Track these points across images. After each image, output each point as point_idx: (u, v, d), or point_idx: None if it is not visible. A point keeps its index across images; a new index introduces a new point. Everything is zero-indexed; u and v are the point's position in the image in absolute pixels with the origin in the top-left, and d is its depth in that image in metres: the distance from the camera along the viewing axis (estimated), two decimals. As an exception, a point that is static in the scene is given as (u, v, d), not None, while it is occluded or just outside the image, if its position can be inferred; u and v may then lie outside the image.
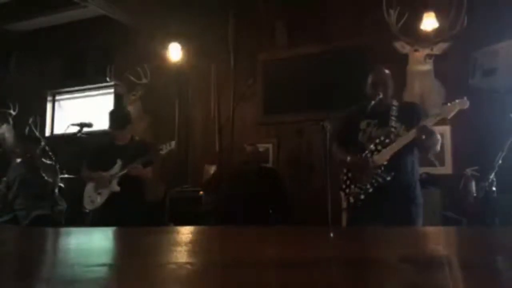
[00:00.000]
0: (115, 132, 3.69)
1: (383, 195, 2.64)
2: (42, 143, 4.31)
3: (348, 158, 2.77)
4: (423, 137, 2.59)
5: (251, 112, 5.20)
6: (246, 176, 4.46)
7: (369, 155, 2.70)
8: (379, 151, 2.68)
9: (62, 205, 4.19)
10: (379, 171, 2.65)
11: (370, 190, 2.67)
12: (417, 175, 2.83)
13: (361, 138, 2.79)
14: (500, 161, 2.98)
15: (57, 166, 4.10)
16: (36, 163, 4.16)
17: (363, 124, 2.80)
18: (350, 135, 2.84)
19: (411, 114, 2.75)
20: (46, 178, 4.08)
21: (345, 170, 2.80)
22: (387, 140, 2.68)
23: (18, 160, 4.39)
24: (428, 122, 2.62)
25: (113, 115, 3.76)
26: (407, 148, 2.67)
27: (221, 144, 5.30)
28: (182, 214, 4.70)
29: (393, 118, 2.73)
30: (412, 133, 2.61)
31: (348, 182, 2.77)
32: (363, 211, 2.69)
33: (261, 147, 4.79)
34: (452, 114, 2.62)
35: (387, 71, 2.90)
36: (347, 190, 2.77)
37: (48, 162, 4.21)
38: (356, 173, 2.74)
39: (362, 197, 2.68)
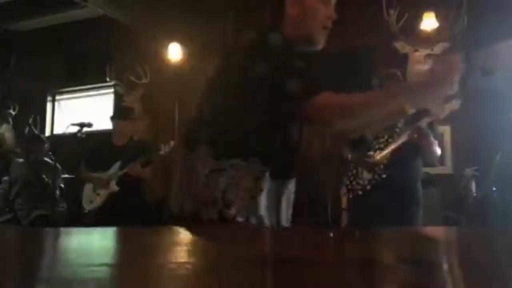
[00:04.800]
0: (116, 123, 3.67)
1: (383, 194, 2.65)
2: (47, 144, 4.32)
3: (350, 156, 2.79)
4: (415, 136, 2.62)
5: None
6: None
7: (371, 152, 2.72)
8: (382, 149, 2.70)
9: (63, 206, 4.19)
10: (377, 169, 2.67)
11: (368, 187, 2.69)
12: (419, 175, 2.84)
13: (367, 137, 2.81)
14: (500, 161, 2.99)
15: (59, 167, 4.11)
16: (40, 164, 4.16)
17: None
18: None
19: (415, 116, 2.76)
20: (47, 179, 4.08)
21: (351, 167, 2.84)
22: (390, 140, 2.70)
23: (20, 160, 4.39)
24: (422, 123, 2.63)
25: (117, 106, 3.78)
26: (410, 148, 2.68)
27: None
28: (182, 214, 4.69)
29: None
30: (406, 134, 2.63)
31: (351, 178, 2.80)
32: (362, 208, 2.71)
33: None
34: (444, 114, 2.64)
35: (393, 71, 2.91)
36: (349, 186, 2.79)
37: (51, 162, 4.21)
38: (358, 170, 2.76)
39: (360, 193, 2.71)
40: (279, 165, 1.43)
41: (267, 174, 1.39)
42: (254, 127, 1.40)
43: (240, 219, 1.35)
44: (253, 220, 1.36)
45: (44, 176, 4.08)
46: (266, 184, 1.39)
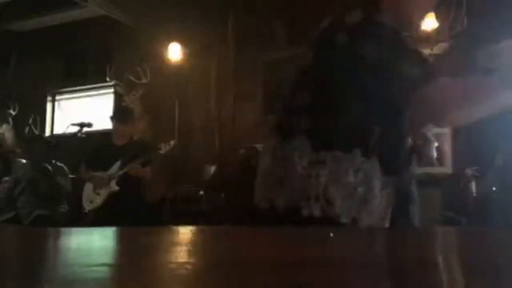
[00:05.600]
0: (116, 126, 3.67)
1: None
2: (51, 144, 4.31)
3: None
4: (419, 142, 2.61)
5: (251, 112, 5.20)
6: (247, 177, 4.46)
7: None
8: None
9: (64, 207, 4.19)
10: None
11: None
12: (414, 174, 2.83)
13: None
14: (500, 161, 2.99)
15: (65, 168, 4.11)
16: (45, 164, 4.15)
17: None
18: None
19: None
20: (58, 181, 4.07)
21: None
22: None
23: (22, 160, 4.38)
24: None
25: (117, 108, 3.78)
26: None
27: (221, 144, 5.30)
28: (182, 214, 4.70)
29: None
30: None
31: None
32: None
33: (261, 147, 4.79)
34: None
35: None
36: None
37: (59, 164, 4.20)
38: None
39: None
40: (385, 157, 1.27)
41: (371, 167, 1.24)
42: (361, 114, 1.23)
43: (345, 220, 1.22)
44: (360, 220, 1.23)
45: (51, 176, 4.07)
46: (370, 179, 1.24)
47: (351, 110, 1.23)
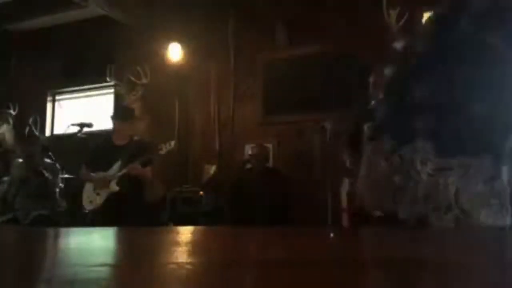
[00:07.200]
0: (117, 123, 3.67)
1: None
2: (43, 143, 4.31)
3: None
4: None
5: (251, 112, 5.20)
6: (248, 177, 4.46)
7: None
8: None
9: (63, 206, 4.19)
10: None
11: None
12: None
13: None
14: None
15: (58, 166, 4.11)
16: (37, 164, 4.15)
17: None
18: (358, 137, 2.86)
19: None
20: (47, 176, 4.07)
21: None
22: None
23: (20, 160, 4.39)
24: None
25: (118, 106, 3.78)
26: None
27: (221, 144, 5.30)
28: (182, 214, 4.70)
29: None
30: None
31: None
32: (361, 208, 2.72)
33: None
34: None
35: None
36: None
37: (49, 161, 4.21)
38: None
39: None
40: None
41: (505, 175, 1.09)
42: (490, 114, 1.06)
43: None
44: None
45: (46, 174, 4.07)
46: (503, 186, 1.09)
47: (477, 108, 1.07)
